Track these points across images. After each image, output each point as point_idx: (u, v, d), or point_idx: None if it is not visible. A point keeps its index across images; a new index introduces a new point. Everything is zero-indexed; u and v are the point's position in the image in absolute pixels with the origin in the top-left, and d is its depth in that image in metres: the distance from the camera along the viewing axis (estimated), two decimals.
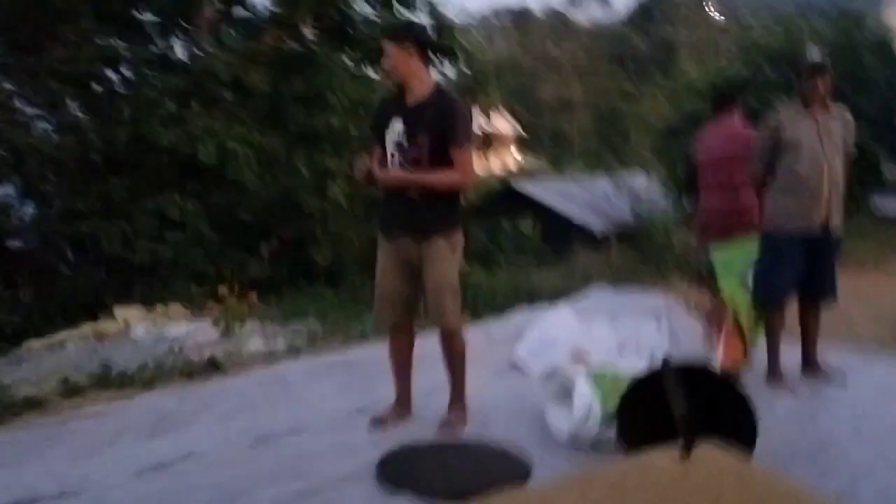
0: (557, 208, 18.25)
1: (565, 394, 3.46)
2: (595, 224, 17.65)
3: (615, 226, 17.13)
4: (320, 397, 3.88)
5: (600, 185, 19.77)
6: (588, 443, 3.19)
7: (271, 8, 14.05)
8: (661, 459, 2.03)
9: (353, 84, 13.43)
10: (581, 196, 19.43)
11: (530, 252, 14.70)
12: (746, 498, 1.89)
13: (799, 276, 3.91)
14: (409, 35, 3.36)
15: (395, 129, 3.34)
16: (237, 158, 11.95)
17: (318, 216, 13.28)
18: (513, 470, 2.94)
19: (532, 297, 7.81)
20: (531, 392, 3.91)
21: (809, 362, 4.12)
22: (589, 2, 43.45)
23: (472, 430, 3.41)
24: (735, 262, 4.31)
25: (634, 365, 4.19)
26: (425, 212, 3.29)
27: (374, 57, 13.54)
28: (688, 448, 2.00)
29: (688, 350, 4.46)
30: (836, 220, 3.92)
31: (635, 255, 10.16)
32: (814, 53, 3.93)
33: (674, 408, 1.84)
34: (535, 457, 3.06)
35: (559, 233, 16.28)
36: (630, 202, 16.89)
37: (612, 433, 3.12)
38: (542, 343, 4.40)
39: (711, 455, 2.07)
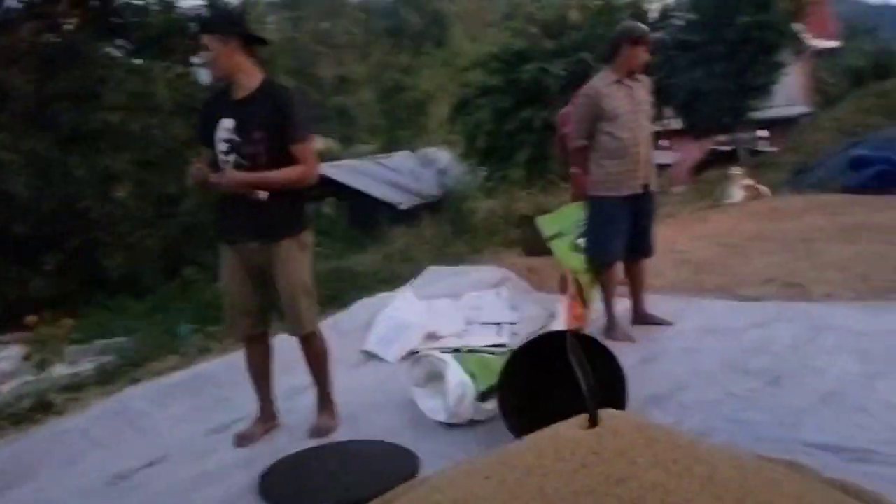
0: (359, 188, 18.18)
1: (432, 377, 3.46)
2: (400, 200, 17.80)
3: (422, 200, 17.37)
4: (172, 423, 3.58)
5: (400, 161, 19.92)
6: (464, 423, 3.21)
7: None
8: (570, 431, 2.07)
9: (128, 77, 12.45)
10: (381, 174, 19.49)
11: (339, 236, 14.54)
12: (659, 457, 1.97)
13: (626, 234, 4.19)
14: (231, 26, 3.13)
15: (225, 127, 3.11)
16: (2, 167, 10.74)
17: (104, 221, 12.31)
18: (402, 464, 2.89)
19: (356, 282, 7.75)
20: (392, 380, 3.88)
21: (640, 312, 4.45)
22: None
23: (344, 430, 3.31)
24: (566, 227, 4.52)
25: (487, 339, 4.32)
26: (272, 213, 3.11)
27: (149, 46, 12.66)
28: (594, 416, 2.07)
29: (530, 316, 4.64)
30: (653, 180, 4.24)
31: (446, 228, 10.38)
32: (634, 23, 4.16)
33: (580, 378, 1.88)
34: (416, 446, 3.03)
35: (365, 213, 16.24)
36: (434, 176, 17.21)
37: (487, 410, 3.17)
38: (393, 329, 4.37)
39: (614, 420, 2.15)
